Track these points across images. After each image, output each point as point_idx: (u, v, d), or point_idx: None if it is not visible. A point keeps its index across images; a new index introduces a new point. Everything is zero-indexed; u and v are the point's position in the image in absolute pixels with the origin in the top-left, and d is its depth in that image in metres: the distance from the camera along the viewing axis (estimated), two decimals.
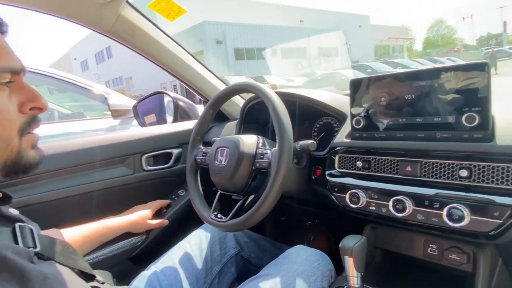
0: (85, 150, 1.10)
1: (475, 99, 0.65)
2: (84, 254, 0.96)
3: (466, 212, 0.63)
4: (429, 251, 0.81)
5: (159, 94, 1.55)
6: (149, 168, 1.22)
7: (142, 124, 1.62)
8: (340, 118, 1.01)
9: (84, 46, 35.03)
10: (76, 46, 37.87)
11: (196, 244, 0.95)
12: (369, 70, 12.39)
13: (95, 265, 1.01)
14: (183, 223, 1.23)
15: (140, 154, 1.21)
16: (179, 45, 1.22)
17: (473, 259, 0.74)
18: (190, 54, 1.26)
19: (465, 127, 0.66)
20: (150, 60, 1.23)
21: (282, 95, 0.90)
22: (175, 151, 1.29)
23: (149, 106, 1.60)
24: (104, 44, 31.25)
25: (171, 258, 0.90)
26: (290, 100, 1.05)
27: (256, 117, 1.23)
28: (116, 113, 2.04)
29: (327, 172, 0.91)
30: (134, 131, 1.26)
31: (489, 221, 0.62)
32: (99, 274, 0.69)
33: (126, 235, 1.06)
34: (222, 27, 23.34)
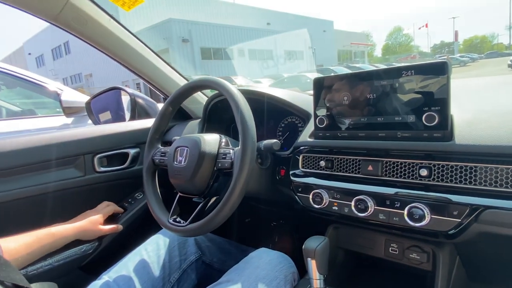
0: (28, 150, 0.99)
1: (435, 99, 0.65)
2: (27, 265, 0.86)
3: (426, 211, 0.64)
4: (390, 250, 0.81)
5: (116, 90, 1.45)
6: (102, 169, 1.13)
7: (96, 121, 1.51)
8: (304, 117, 1.00)
9: (39, 41, 32.82)
10: (31, 40, 35.40)
11: (153, 250, 0.89)
12: (332, 74, 12.75)
13: (39, 276, 0.92)
14: (140, 228, 1.16)
15: (92, 154, 1.11)
16: (137, 38, 1.14)
17: (432, 258, 0.76)
18: (150, 49, 1.19)
19: (425, 127, 0.67)
20: (106, 54, 1.14)
21: (246, 93, 0.87)
22: (132, 151, 1.21)
23: (104, 103, 1.50)
24: (61, 39, 29.56)
25: (125, 266, 0.84)
26: (254, 99, 1.02)
27: (220, 116, 1.19)
28: (69, 111, 1.89)
29: (291, 172, 0.89)
30: (86, 129, 1.16)
31: (448, 220, 0.62)
32: (42, 287, 0.61)
33: (76, 242, 0.97)
34: (188, 25, 22.92)
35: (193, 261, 0.93)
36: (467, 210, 0.60)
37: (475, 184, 0.61)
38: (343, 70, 15.36)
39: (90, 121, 1.72)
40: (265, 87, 1.12)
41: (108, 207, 1.07)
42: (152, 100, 1.45)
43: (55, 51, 32.97)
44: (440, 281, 0.71)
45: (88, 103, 1.54)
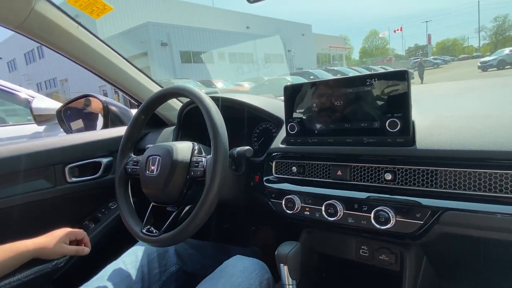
0: None
1: (397, 106, 0.68)
2: None
3: (391, 214, 0.66)
4: (361, 252, 0.84)
5: (88, 97, 1.42)
6: (74, 180, 1.10)
7: (68, 130, 1.47)
8: (277, 123, 1.01)
9: (11, 45, 31.52)
10: (2, 44, 33.96)
11: (131, 262, 0.87)
12: (312, 77, 12.93)
13: None
14: (115, 238, 1.13)
15: (63, 164, 1.08)
16: (107, 45, 1.12)
17: (400, 258, 0.78)
18: (121, 56, 1.18)
19: (389, 132, 0.69)
20: (75, 62, 1.12)
21: (218, 100, 0.87)
22: (105, 160, 1.18)
23: (76, 111, 1.46)
24: (34, 43, 27.87)
25: (102, 279, 0.81)
26: (227, 106, 1.02)
27: (195, 122, 1.18)
28: (41, 118, 1.83)
29: (264, 178, 0.90)
30: (56, 138, 1.12)
31: (412, 222, 0.65)
32: None
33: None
34: (167, 28, 22.62)
35: (173, 272, 0.92)
36: (429, 212, 0.63)
37: (436, 187, 0.64)
38: (322, 73, 15.59)
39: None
40: (238, 94, 1.12)
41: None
42: (126, 107, 1.42)
43: (28, 55, 31.81)
44: (407, 281, 0.73)
45: (59, 112, 1.50)
